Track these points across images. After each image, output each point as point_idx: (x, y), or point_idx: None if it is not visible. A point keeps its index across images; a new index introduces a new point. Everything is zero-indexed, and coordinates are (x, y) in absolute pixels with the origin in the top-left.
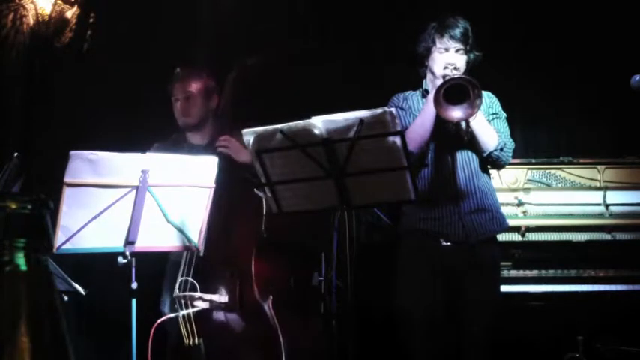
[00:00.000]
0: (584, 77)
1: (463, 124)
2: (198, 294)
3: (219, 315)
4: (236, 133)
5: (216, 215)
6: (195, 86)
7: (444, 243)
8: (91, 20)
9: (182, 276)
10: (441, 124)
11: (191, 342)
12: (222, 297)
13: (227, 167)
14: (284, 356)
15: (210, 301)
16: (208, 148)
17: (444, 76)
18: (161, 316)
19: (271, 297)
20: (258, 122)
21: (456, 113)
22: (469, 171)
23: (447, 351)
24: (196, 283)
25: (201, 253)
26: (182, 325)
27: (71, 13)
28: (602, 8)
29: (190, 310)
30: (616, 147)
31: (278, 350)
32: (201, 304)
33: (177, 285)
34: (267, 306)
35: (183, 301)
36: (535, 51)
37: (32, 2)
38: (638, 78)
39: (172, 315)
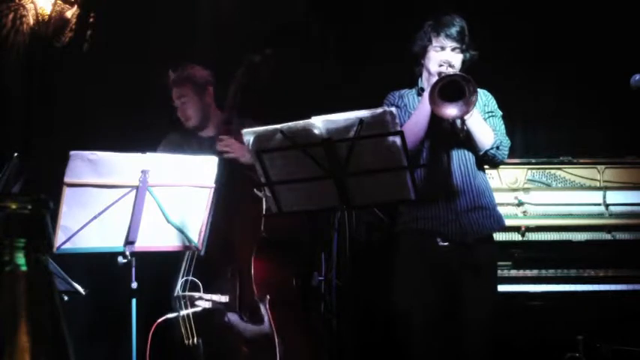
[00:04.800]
0: (584, 77)
1: (459, 121)
2: (199, 294)
3: (219, 315)
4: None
5: (218, 215)
6: (186, 88)
7: (441, 243)
8: (91, 20)
9: (184, 276)
10: (436, 122)
11: (191, 342)
12: (222, 297)
13: (229, 166)
14: (278, 357)
15: (211, 301)
16: (215, 139)
17: (439, 74)
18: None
19: (269, 297)
20: (266, 118)
21: (451, 111)
22: (465, 169)
23: (446, 351)
24: (199, 283)
25: (202, 253)
26: (182, 325)
27: (71, 13)
28: (603, 8)
29: (190, 311)
30: (616, 147)
31: (273, 350)
32: (202, 304)
33: (179, 285)
34: (265, 306)
35: (184, 301)
36: (535, 51)
37: (32, 2)
38: (638, 78)
39: (172, 315)
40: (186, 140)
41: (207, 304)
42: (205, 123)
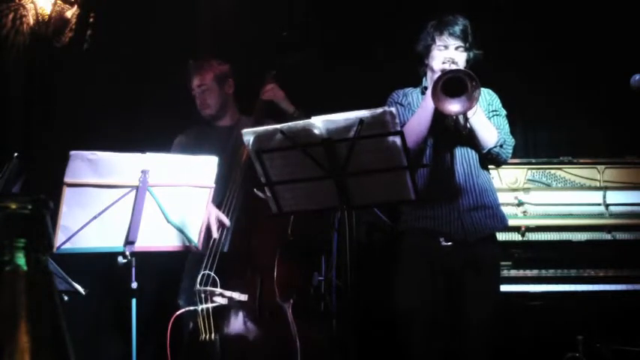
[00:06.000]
0: (584, 77)
1: (462, 119)
2: (218, 290)
3: (238, 313)
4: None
5: (241, 214)
6: (208, 77)
7: (444, 242)
8: (91, 20)
9: (204, 270)
10: (439, 120)
11: (207, 337)
12: (241, 295)
13: (249, 165)
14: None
15: (230, 298)
16: (234, 129)
17: (442, 71)
18: (176, 310)
19: (292, 300)
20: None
21: (454, 106)
22: (468, 168)
23: (447, 350)
24: (217, 279)
25: (225, 250)
26: (200, 320)
27: (71, 13)
28: (602, 8)
29: (209, 305)
30: (616, 147)
31: (294, 354)
32: (220, 300)
33: (199, 279)
34: (288, 309)
35: (203, 296)
36: (536, 51)
37: (32, 2)
38: (637, 78)
39: (191, 308)
40: (204, 133)
41: (225, 301)
42: (223, 112)
